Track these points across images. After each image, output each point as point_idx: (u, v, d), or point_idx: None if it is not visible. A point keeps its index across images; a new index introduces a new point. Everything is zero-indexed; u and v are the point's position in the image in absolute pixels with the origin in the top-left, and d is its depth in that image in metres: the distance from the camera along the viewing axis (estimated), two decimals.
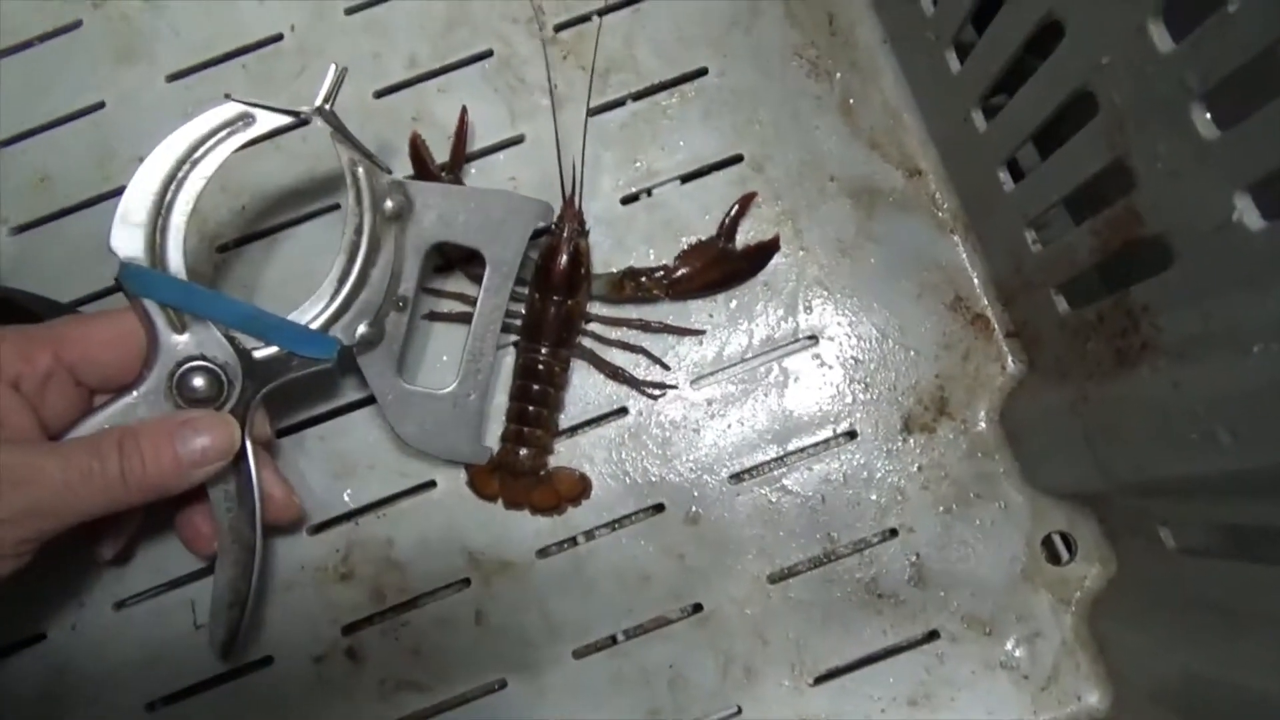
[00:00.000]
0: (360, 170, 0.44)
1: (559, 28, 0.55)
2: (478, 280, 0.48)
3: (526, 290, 0.51)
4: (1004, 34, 0.41)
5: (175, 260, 0.42)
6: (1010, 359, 0.51)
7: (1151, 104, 0.33)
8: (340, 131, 0.43)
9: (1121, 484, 0.41)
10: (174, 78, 0.55)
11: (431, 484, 0.52)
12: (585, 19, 0.54)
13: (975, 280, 0.52)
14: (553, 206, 0.48)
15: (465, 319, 0.49)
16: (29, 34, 0.55)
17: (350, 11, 0.55)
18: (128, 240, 0.41)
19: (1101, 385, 0.40)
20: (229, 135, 0.42)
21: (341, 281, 0.44)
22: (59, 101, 0.54)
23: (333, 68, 0.43)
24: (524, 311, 0.51)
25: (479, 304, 0.47)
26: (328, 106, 0.42)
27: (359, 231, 0.44)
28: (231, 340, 0.42)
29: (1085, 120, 0.37)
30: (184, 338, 0.42)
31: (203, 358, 0.42)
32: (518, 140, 0.54)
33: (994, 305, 0.51)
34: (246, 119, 0.42)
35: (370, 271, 0.44)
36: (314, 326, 0.44)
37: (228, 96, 0.42)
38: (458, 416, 0.48)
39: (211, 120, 0.42)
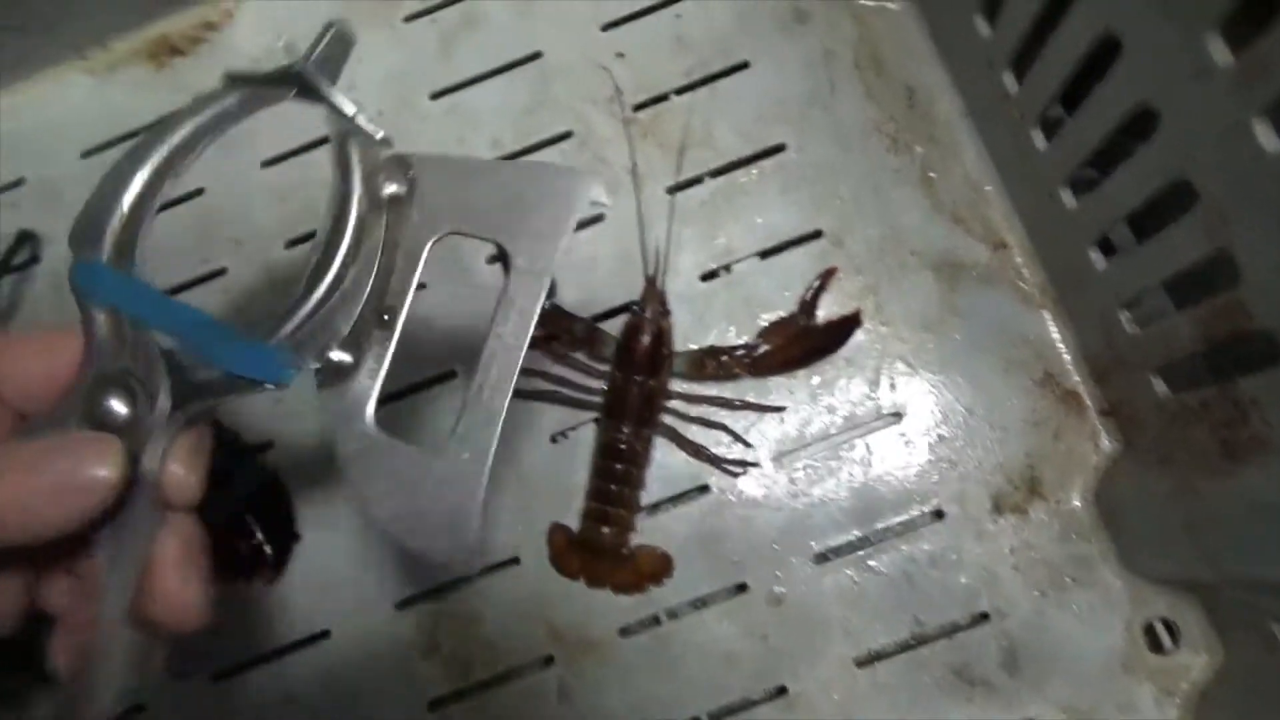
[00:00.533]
0: (351, 142, 0.33)
1: (637, 107, 0.56)
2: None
3: (609, 368, 0.51)
4: (1095, 118, 0.40)
5: (139, 263, 0.32)
6: (1105, 437, 0.50)
7: (1255, 199, 0.32)
8: (318, 91, 0.33)
9: (1227, 578, 0.40)
10: (269, 164, 0.57)
11: (516, 560, 0.52)
12: (663, 99, 0.55)
13: (1065, 356, 0.51)
14: (601, 182, 0.32)
15: (571, 402, 0.49)
16: (136, 124, 0.58)
17: (434, 96, 0.57)
18: (90, 237, 0.32)
19: (1206, 476, 0.39)
20: (220, 126, 0.34)
21: (312, 285, 0.32)
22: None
23: (329, 27, 0.34)
24: (606, 390, 0.51)
25: (494, 319, 0.32)
26: (310, 60, 0.33)
27: (341, 220, 0.33)
28: (170, 357, 0.32)
29: (1185, 202, 0.36)
30: (117, 353, 0.32)
31: (128, 374, 0.31)
32: (597, 219, 0.55)
33: (1086, 382, 0.50)
34: (242, 103, 0.33)
35: (348, 272, 0.32)
36: (276, 340, 0.31)
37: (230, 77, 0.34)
38: (443, 488, 0.31)
39: (214, 109, 0.33)
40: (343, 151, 0.33)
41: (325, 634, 0.52)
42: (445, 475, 0.31)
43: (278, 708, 0.51)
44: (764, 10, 0.56)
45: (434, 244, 0.34)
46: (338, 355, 0.32)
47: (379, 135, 0.33)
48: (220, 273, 0.56)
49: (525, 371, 0.52)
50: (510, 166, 0.36)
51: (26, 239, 0.57)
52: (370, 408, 0.33)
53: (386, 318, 0.33)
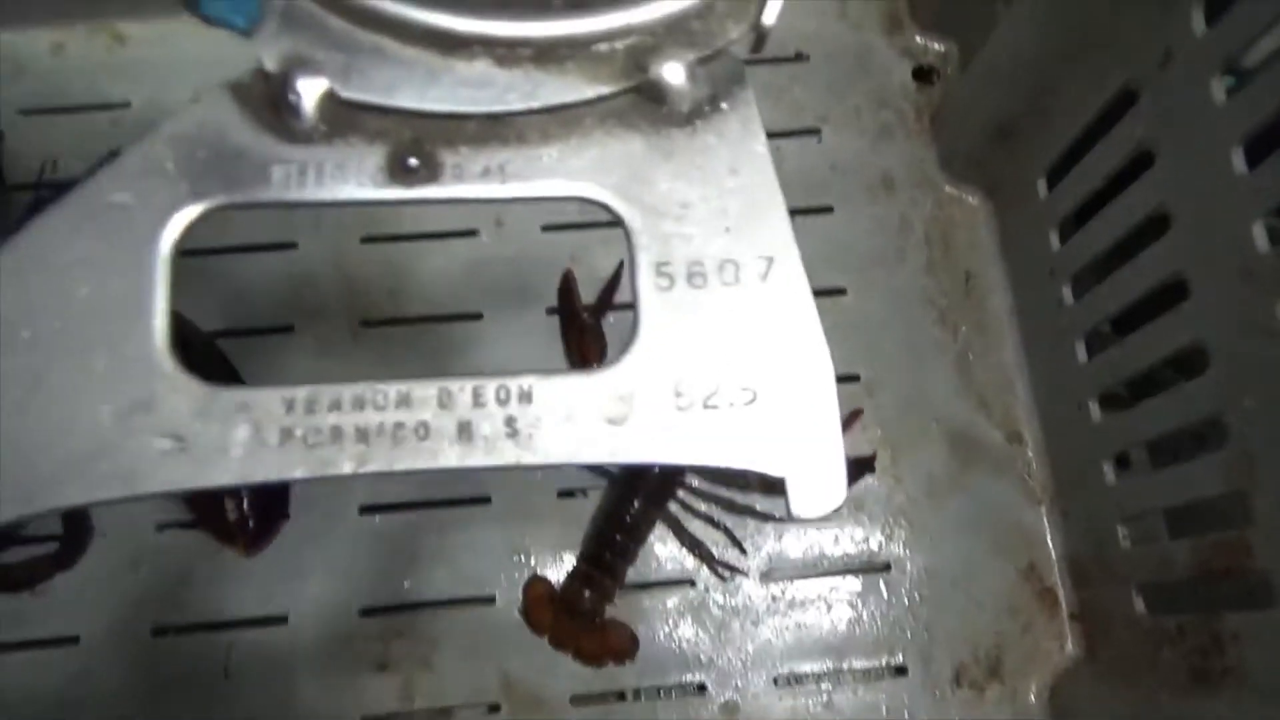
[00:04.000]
0: None
1: None
2: None
3: None
4: (1144, 350, 0.44)
5: None
6: (1070, 641, 0.52)
7: None
8: None
9: None
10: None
11: (491, 599, 0.52)
12: None
13: (1052, 554, 0.54)
14: None
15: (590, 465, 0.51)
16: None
17: None
18: None
19: (1175, 699, 0.42)
20: None
21: None
22: None
23: None
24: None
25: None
26: None
27: None
28: None
29: (1213, 437, 0.40)
30: None
31: None
32: None
33: (1064, 583, 0.53)
34: None
35: None
36: None
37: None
38: None
39: None
40: None
41: (283, 619, 0.51)
42: None
43: (212, 678, 0.50)
44: (858, 168, 0.60)
45: None
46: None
47: None
48: None
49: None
50: None
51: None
52: None
53: None
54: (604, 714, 0.51)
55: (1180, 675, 0.42)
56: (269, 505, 0.52)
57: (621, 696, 0.52)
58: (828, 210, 0.60)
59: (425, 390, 0.20)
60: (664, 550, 0.54)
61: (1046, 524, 0.54)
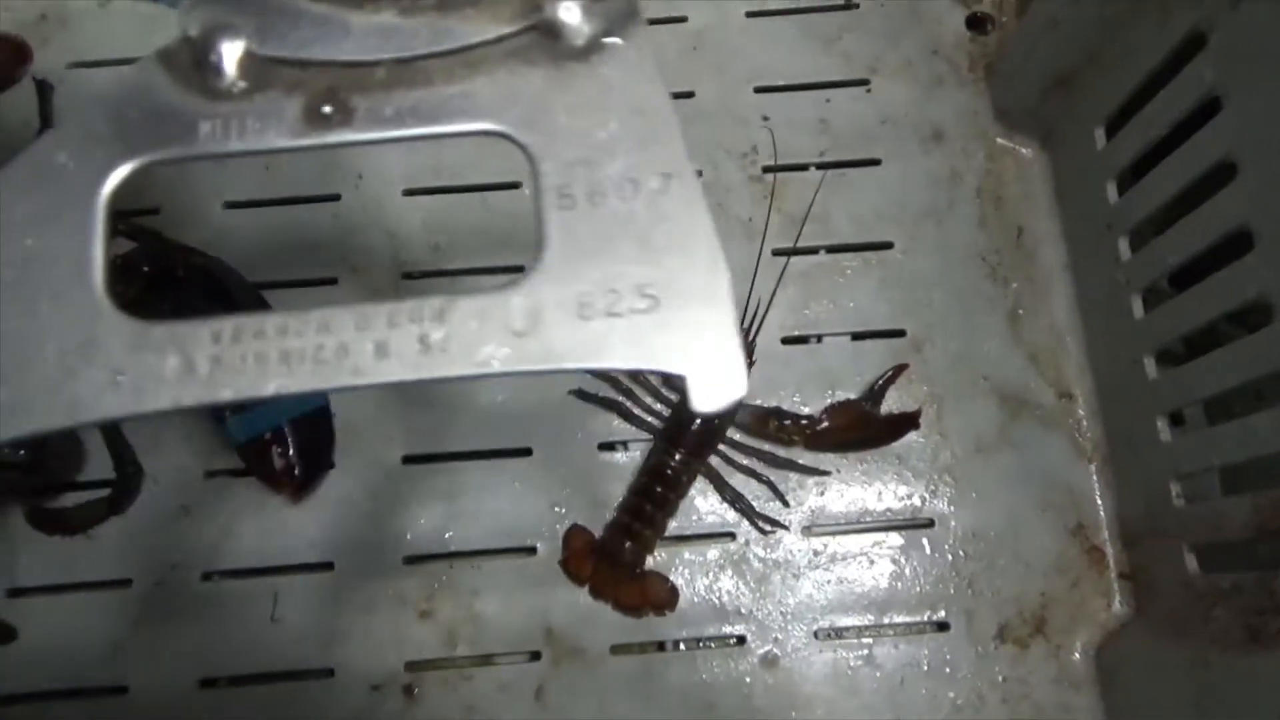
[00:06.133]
0: None
1: (767, 169, 0.58)
2: None
3: (678, 396, 0.53)
4: (1204, 303, 0.43)
5: None
6: (1118, 599, 0.52)
7: None
8: None
9: None
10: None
11: (533, 549, 0.53)
12: (801, 168, 0.58)
13: (1101, 513, 0.53)
14: None
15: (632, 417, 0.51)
16: None
17: None
18: None
19: (1228, 656, 0.41)
20: None
21: None
22: None
23: None
24: (669, 415, 0.53)
25: None
26: None
27: None
28: None
29: (1268, 393, 0.39)
30: None
31: None
32: None
33: (1113, 543, 0.52)
34: None
35: None
36: None
37: None
38: None
39: None
40: None
41: (329, 566, 0.52)
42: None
43: (259, 622, 0.51)
44: (907, 120, 0.59)
45: None
46: None
47: None
48: None
49: (597, 374, 0.54)
50: None
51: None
52: None
53: None
54: (643, 664, 0.51)
55: (1234, 633, 0.41)
56: (315, 454, 0.53)
57: (661, 647, 0.52)
58: (876, 163, 0.58)
59: (344, 316, 0.21)
60: (705, 503, 0.53)
61: (1096, 482, 0.53)
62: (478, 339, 0.21)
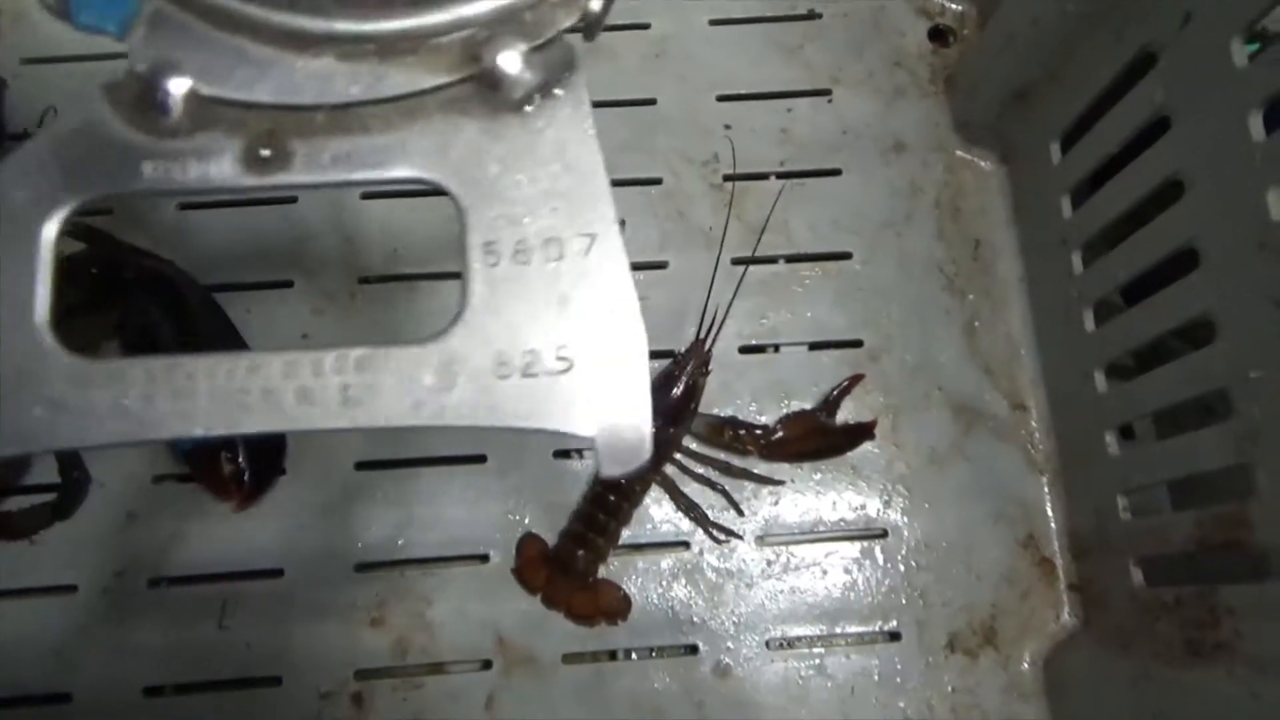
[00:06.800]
0: None
1: (728, 178, 0.58)
2: None
3: None
4: (1153, 318, 0.43)
5: None
6: (1067, 611, 0.52)
7: None
8: None
9: None
10: None
11: (486, 557, 0.52)
12: (761, 177, 0.58)
13: (1051, 525, 0.53)
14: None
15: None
16: None
17: None
18: None
19: (1170, 670, 0.41)
20: None
21: None
22: None
23: None
24: None
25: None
26: None
27: None
28: None
29: (1218, 410, 0.39)
30: None
31: None
32: (661, 265, 0.57)
33: (1063, 555, 0.53)
34: None
35: None
36: None
37: None
38: None
39: None
40: None
41: (279, 573, 0.52)
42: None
43: (207, 630, 0.50)
44: (868, 131, 0.59)
45: None
46: None
47: None
48: None
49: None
50: None
51: None
52: None
53: None
54: (595, 673, 0.51)
55: (1175, 647, 0.41)
56: (265, 460, 0.52)
57: (613, 656, 0.52)
58: (837, 173, 0.59)
59: (272, 361, 0.22)
60: (659, 512, 0.53)
61: (1048, 494, 0.54)
62: (396, 393, 0.22)
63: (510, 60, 0.23)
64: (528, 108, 0.23)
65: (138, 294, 0.51)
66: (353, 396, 0.22)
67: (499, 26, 0.23)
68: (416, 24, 0.23)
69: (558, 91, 0.23)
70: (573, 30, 0.23)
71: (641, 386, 0.22)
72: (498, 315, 0.22)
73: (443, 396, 0.22)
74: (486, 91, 0.23)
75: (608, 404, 0.22)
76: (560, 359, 0.22)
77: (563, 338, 0.22)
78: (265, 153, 0.23)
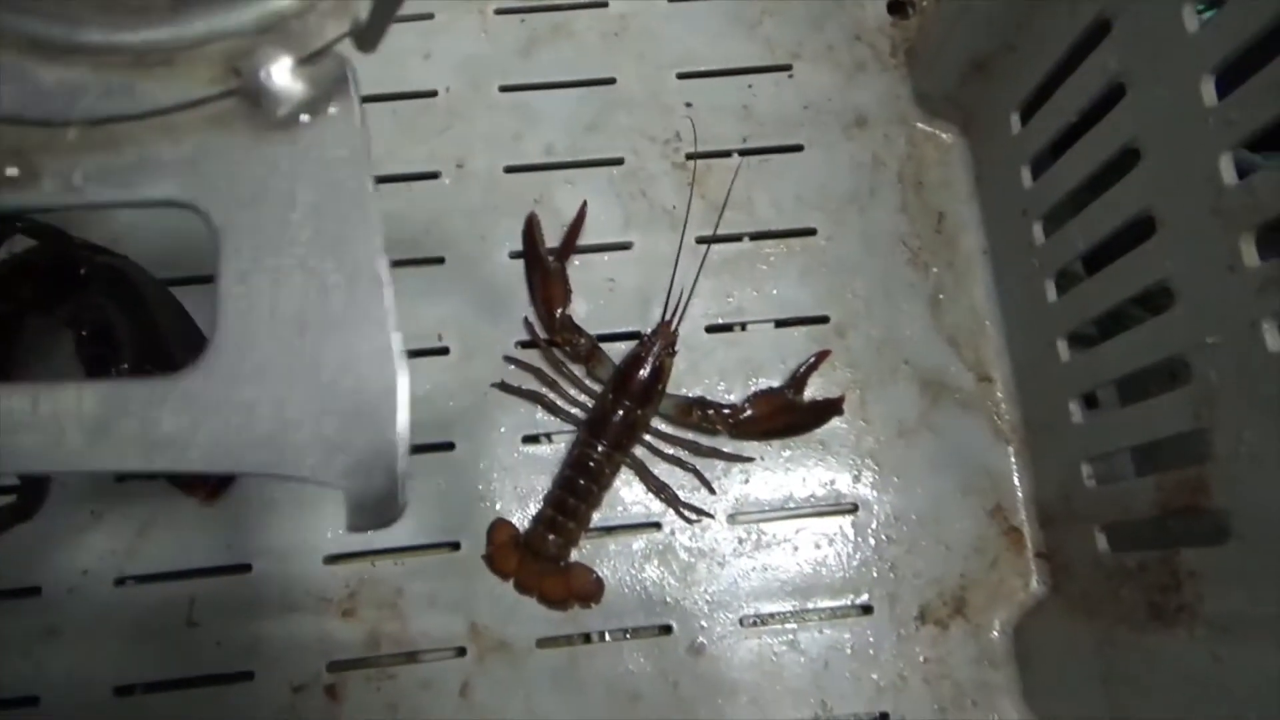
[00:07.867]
0: None
1: (690, 157, 0.58)
2: None
3: (601, 388, 0.53)
4: (1113, 286, 0.44)
5: None
6: (1035, 578, 0.53)
7: (1250, 394, 0.35)
8: None
9: None
10: None
11: (456, 545, 0.52)
12: (724, 155, 0.58)
13: (1018, 494, 0.54)
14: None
15: (555, 409, 0.50)
16: None
17: (505, 89, 0.58)
18: None
19: (1133, 634, 0.42)
20: None
21: None
22: None
23: None
24: (592, 407, 0.52)
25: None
26: None
27: None
28: None
29: (1178, 375, 0.40)
30: None
31: None
32: (625, 246, 0.56)
33: (1031, 523, 0.53)
34: None
35: None
36: None
37: None
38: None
39: None
40: None
41: (247, 567, 0.51)
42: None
43: (176, 627, 0.50)
44: (830, 105, 0.59)
45: None
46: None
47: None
48: None
49: (519, 366, 0.53)
50: None
51: None
52: None
53: None
54: (570, 656, 0.51)
55: (1139, 611, 0.42)
56: None
57: (587, 639, 0.52)
58: (799, 149, 0.58)
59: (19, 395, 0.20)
60: (630, 494, 0.53)
61: (1014, 464, 0.54)
62: (140, 432, 0.20)
63: (274, 74, 0.21)
64: (294, 126, 0.21)
65: (92, 291, 0.50)
66: (91, 433, 0.20)
67: (262, 37, 0.21)
68: (171, 34, 0.21)
69: (331, 110, 0.21)
70: (349, 38, 0.22)
71: (392, 437, 0.20)
72: (247, 352, 0.20)
73: (188, 437, 0.20)
74: (250, 107, 0.21)
75: (358, 454, 0.20)
76: (311, 402, 0.20)
77: (317, 380, 0.21)
78: (11, 171, 0.21)
